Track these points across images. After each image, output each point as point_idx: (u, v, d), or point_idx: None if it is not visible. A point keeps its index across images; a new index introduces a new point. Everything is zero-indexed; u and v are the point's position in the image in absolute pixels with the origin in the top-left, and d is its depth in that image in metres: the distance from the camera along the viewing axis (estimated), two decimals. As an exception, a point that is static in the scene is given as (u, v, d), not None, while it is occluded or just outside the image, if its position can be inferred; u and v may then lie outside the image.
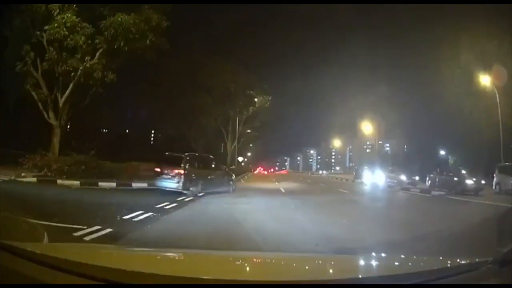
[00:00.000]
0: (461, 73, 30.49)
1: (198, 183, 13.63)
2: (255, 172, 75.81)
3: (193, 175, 13.66)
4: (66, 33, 16.99)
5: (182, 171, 13.30)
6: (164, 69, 32.10)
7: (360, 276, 1.77)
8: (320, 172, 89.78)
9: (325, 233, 6.38)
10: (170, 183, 13.30)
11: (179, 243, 5.12)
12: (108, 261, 1.73)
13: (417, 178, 26.37)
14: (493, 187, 19.31)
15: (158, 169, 14.15)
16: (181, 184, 13.08)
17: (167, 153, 15.09)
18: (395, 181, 25.08)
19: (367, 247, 5.00)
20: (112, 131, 59.68)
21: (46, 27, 17.04)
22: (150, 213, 7.80)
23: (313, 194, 17.64)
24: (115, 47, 18.07)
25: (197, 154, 16.85)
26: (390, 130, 56.15)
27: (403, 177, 26.20)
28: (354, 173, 40.21)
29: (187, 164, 13.68)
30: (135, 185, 15.78)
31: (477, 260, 1.73)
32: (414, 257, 2.22)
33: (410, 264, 2.08)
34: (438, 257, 2.11)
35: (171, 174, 13.44)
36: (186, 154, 14.36)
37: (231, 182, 16.53)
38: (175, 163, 13.63)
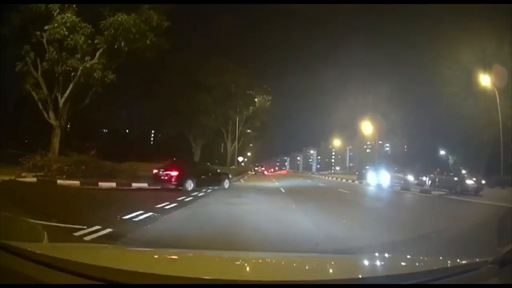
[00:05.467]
0: (461, 73, 30.48)
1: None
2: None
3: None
4: (66, 33, 17.00)
5: (264, 168, 66.86)
6: (164, 69, 32.10)
7: (360, 276, 1.77)
8: (321, 173, 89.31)
9: (325, 233, 6.38)
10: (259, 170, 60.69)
11: (179, 243, 5.11)
12: (108, 261, 1.72)
13: (424, 178, 25.37)
14: None
15: (256, 168, 65.00)
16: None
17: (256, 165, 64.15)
18: (402, 181, 24.69)
19: (367, 247, 5.00)
20: (112, 131, 59.79)
21: (46, 27, 17.05)
22: (150, 213, 7.80)
23: (313, 195, 17.64)
24: (115, 47, 18.08)
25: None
26: (390, 130, 56.07)
27: (410, 178, 25.71)
28: (357, 174, 39.97)
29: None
30: (135, 185, 15.94)
31: (477, 260, 1.73)
32: (414, 257, 2.21)
33: (410, 264, 2.08)
34: (438, 257, 2.11)
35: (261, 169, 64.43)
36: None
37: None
38: (261, 166, 67.72)
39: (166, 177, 15.48)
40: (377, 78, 49.52)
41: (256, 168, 58.01)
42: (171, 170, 15.67)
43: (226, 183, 18.15)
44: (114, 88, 20.92)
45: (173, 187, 15.02)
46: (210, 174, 17.85)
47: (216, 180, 17.67)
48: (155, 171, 16.30)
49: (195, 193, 13.83)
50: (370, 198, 17.69)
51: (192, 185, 15.51)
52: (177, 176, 15.45)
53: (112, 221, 6.59)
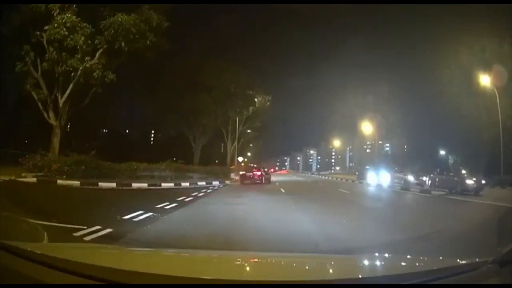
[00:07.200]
0: (461, 73, 30.48)
1: None
2: None
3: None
4: (66, 33, 17.00)
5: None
6: (164, 69, 32.11)
7: (360, 276, 1.77)
8: (321, 173, 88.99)
9: (325, 233, 6.38)
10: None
11: (179, 243, 5.11)
12: (108, 261, 1.72)
13: (424, 178, 24.95)
14: None
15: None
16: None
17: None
18: (402, 181, 24.65)
19: (367, 247, 5.00)
20: (112, 131, 59.70)
21: (46, 27, 17.05)
22: (150, 213, 7.80)
23: (313, 195, 17.63)
24: (115, 47, 18.08)
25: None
26: (390, 130, 56.09)
27: (410, 178, 25.65)
28: (357, 174, 39.93)
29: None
30: (135, 185, 15.93)
31: (477, 260, 1.72)
32: (414, 257, 2.21)
33: (410, 264, 2.08)
34: (438, 257, 2.10)
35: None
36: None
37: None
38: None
39: (254, 176, 24.99)
40: (377, 78, 49.61)
41: None
42: (257, 172, 25.93)
43: (270, 178, 28.74)
44: (114, 88, 20.96)
45: (258, 182, 24.36)
46: (266, 173, 28.24)
47: (268, 177, 27.74)
48: (241, 172, 25.79)
49: (195, 193, 13.84)
50: (370, 198, 17.68)
51: (264, 180, 25.39)
52: (260, 175, 25.47)
53: (112, 221, 6.60)
